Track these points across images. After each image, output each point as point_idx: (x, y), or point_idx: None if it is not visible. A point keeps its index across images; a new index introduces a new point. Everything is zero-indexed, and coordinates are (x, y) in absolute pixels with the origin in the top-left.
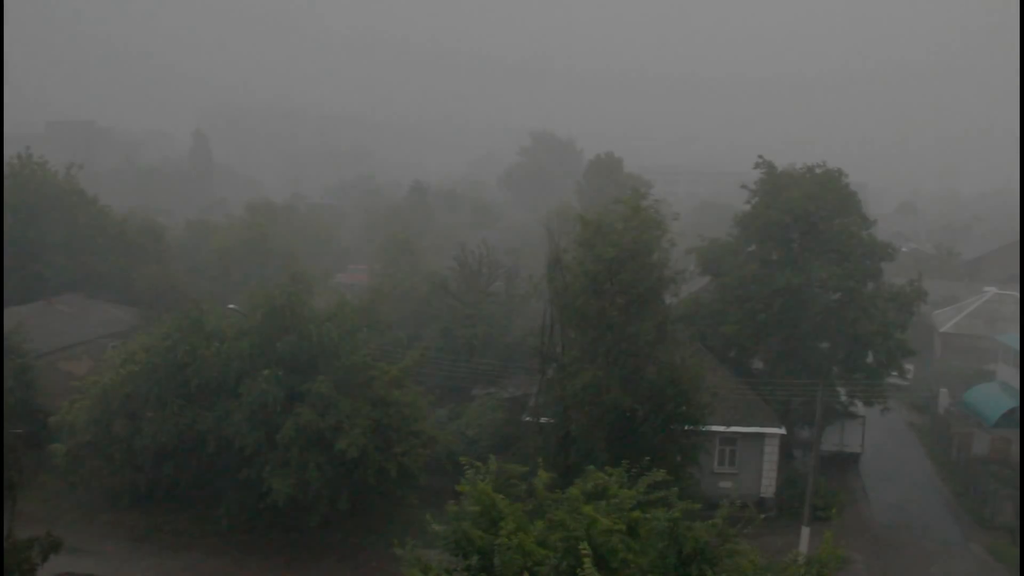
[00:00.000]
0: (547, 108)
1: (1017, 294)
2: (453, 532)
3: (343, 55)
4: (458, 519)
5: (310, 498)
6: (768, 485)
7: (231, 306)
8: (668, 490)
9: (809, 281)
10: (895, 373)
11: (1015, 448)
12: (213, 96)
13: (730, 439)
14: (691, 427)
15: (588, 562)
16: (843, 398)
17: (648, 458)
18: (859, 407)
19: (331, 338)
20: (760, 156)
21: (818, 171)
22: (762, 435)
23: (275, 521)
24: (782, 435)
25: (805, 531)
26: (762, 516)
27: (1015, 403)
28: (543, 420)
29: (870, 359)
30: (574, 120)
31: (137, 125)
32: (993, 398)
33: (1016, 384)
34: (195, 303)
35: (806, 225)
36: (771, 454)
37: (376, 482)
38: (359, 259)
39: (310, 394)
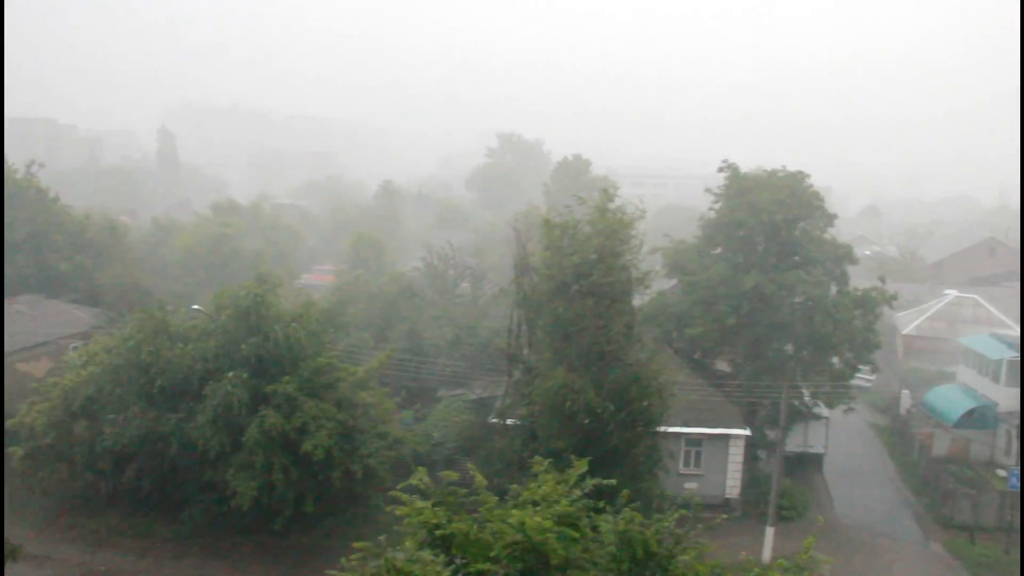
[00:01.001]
0: (515, 109)
1: (977, 297)
2: (384, 566)
3: (309, 55)
4: (381, 548)
5: (275, 500)
6: (733, 486)
7: (196, 307)
8: (620, 493)
9: (775, 284)
10: (859, 374)
11: (974, 448)
12: (178, 95)
13: (696, 440)
14: (655, 428)
15: None
16: (807, 399)
17: (613, 462)
18: (823, 408)
19: (297, 339)
20: (725, 159)
21: (782, 175)
22: (727, 436)
23: (239, 524)
24: (747, 436)
25: (769, 531)
26: (724, 517)
27: (974, 404)
28: (510, 422)
29: (835, 361)
30: (542, 121)
31: (100, 123)
32: (953, 399)
33: (976, 385)
34: (159, 304)
35: (771, 229)
36: (736, 455)
37: (342, 484)
38: (326, 260)
39: (275, 396)
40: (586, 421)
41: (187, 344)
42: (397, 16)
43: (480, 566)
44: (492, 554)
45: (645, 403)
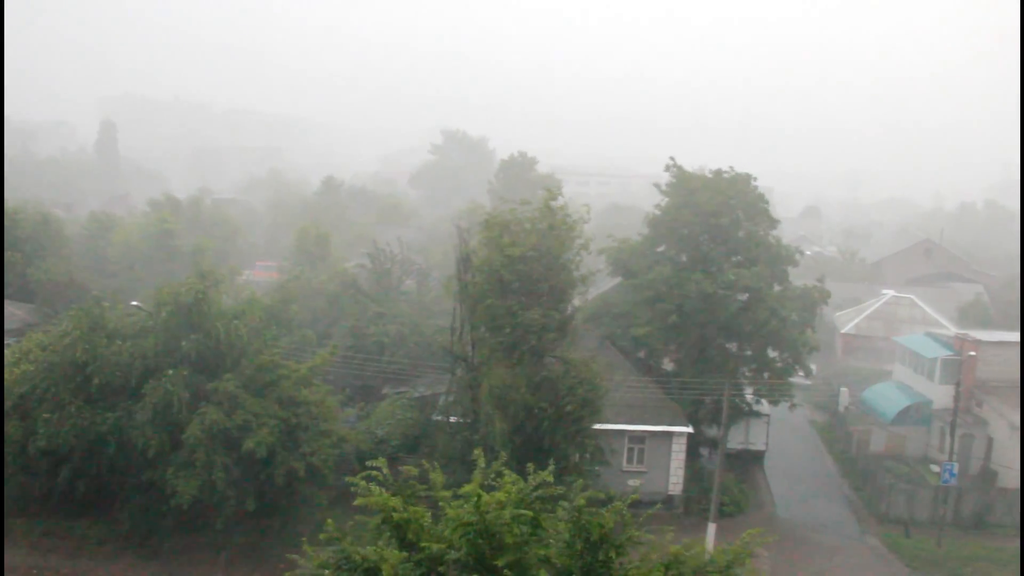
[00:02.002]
0: (460, 106)
1: (913, 297)
2: (335, 553)
3: (252, 49)
4: (339, 538)
5: (216, 499)
6: (676, 483)
7: (134, 303)
8: (570, 484)
9: (718, 283)
10: (799, 372)
11: (909, 444)
12: (116, 86)
13: (639, 438)
14: (589, 425)
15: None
16: (748, 397)
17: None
18: (764, 406)
19: (239, 337)
20: (671, 158)
21: (727, 175)
22: (670, 434)
23: (179, 524)
24: (689, 434)
25: (711, 527)
26: (657, 505)
27: (910, 401)
28: (453, 419)
29: (776, 359)
30: (486, 118)
31: (35, 114)
32: (890, 397)
33: (912, 383)
34: (96, 300)
35: (716, 229)
36: (678, 452)
37: (284, 482)
38: (269, 256)
39: (217, 393)
40: (522, 416)
41: (125, 341)
42: (341, 11)
43: (436, 545)
44: (446, 533)
45: (578, 400)
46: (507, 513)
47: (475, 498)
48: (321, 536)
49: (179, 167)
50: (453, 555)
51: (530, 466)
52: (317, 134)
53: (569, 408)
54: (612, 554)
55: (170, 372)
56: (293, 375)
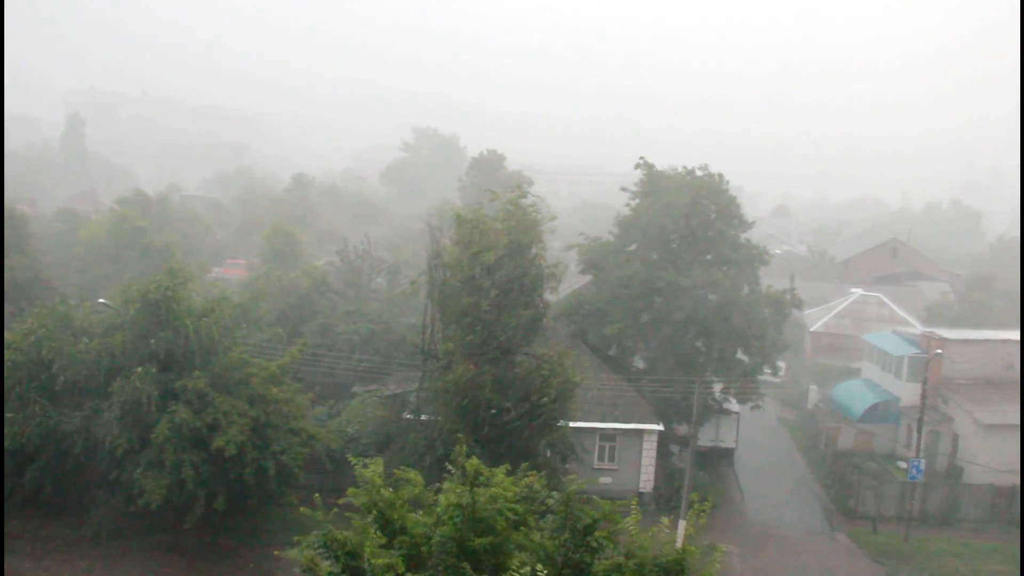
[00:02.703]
0: (431, 104)
1: (881, 295)
2: (322, 536)
3: (219, 44)
4: (328, 523)
5: (185, 499)
6: (647, 480)
7: (102, 301)
8: (555, 477)
9: (689, 282)
10: (769, 371)
11: (877, 441)
12: (82, 80)
13: (610, 435)
14: (559, 422)
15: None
16: (718, 395)
17: (522, 457)
18: (733, 403)
19: (208, 334)
20: (641, 157)
21: (699, 174)
22: (641, 431)
23: (148, 525)
24: (660, 431)
25: (682, 524)
26: (630, 501)
27: (878, 399)
28: (423, 417)
29: (746, 358)
30: (458, 116)
31: None
32: (858, 394)
33: (879, 381)
34: (62, 297)
35: (687, 229)
36: (649, 450)
37: (254, 481)
38: (238, 253)
39: (186, 392)
40: (492, 412)
41: (92, 339)
42: (313, 7)
43: (420, 528)
44: (438, 510)
45: (547, 397)
46: (499, 502)
47: (470, 484)
48: (301, 510)
49: (147, 163)
50: (438, 537)
51: (506, 467)
52: (287, 131)
53: (544, 401)
54: (598, 543)
55: (139, 370)
56: (263, 373)
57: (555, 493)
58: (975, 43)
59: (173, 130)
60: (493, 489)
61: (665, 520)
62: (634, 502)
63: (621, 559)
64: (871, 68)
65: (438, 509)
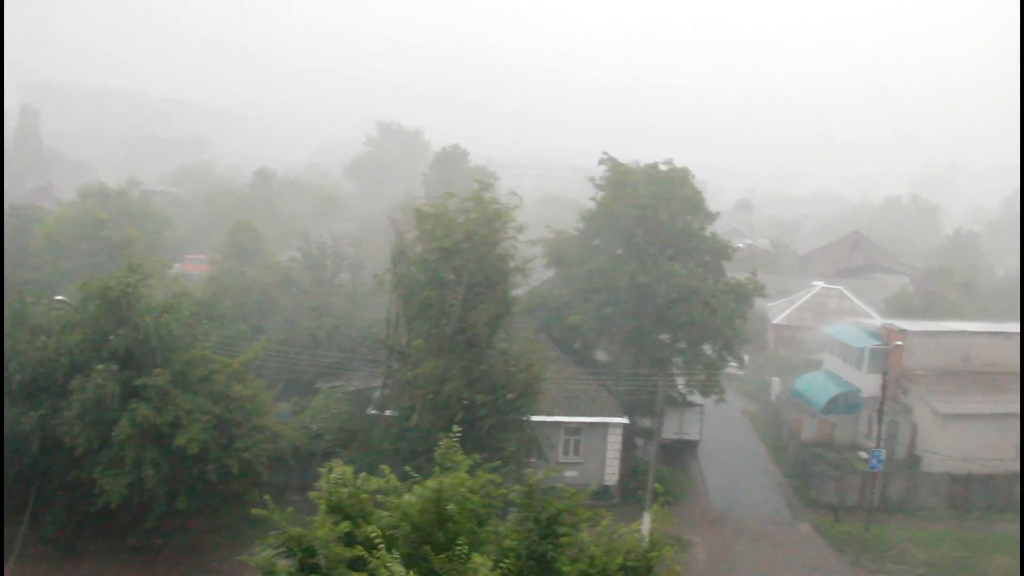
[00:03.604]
0: (395, 98)
1: (842, 288)
2: (279, 535)
3: (180, 37)
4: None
5: (146, 498)
6: (612, 473)
7: (59, 297)
8: (509, 474)
9: (653, 276)
10: (733, 363)
11: (839, 432)
12: (37, 72)
13: (575, 429)
14: (525, 416)
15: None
16: (681, 388)
17: (488, 451)
18: (697, 396)
19: (169, 331)
20: (604, 152)
21: (664, 168)
22: (606, 425)
23: (108, 525)
24: (625, 425)
25: (647, 517)
26: (589, 488)
27: (839, 390)
28: (388, 413)
29: (709, 351)
30: (421, 110)
31: None
32: (820, 386)
33: (841, 372)
34: (18, 294)
35: (651, 222)
36: (614, 443)
37: (217, 479)
38: (200, 249)
39: (147, 389)
40: (464, 404)
41: (50, 337)
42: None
43: (384, 520)
44: (404, 499)
45: (515, 392)
46: (463, 490)
47: (436, 476)
48: (254, 511)
49: (106, 157)
50: (401, 532)
51: (476, 456)
52: (250, 124)
53: (509, 396)
54: (562, 531)
55: (99, 367)
56: (226, 370)
57: (517, 487)
58: (936, 45)
59: (133, 123)
60: (459, 474)
61: (635, 525)
62: (601, 514)
63: (586, 564)
64: (837, 71)
65: (404, 498)
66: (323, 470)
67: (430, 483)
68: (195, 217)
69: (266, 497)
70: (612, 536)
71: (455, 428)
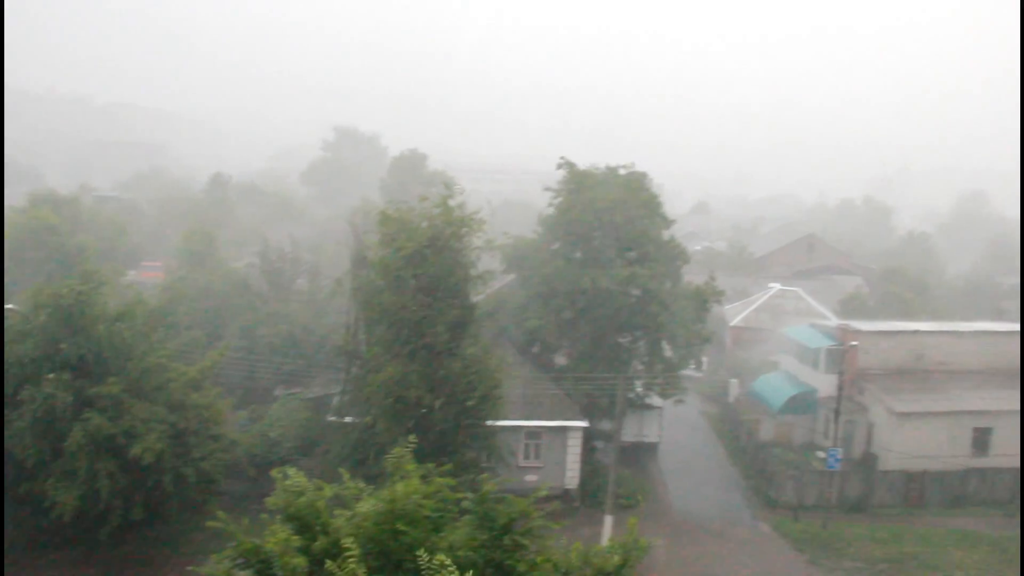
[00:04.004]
0: (352, 103)
1: (799, 290)
2: (236, 547)
3: (130, 40)
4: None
5: (100, 509)
6: (572, 477)
7: (10, 306)
8: (471, 481)
9: (611, 279)
10: (691, 365)
11: (796, 432)
12: None
13: (535, 433)
14: (486, 422)
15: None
16: (640, 390)
17: (449, 457)
18: (656, 399)
19: (122, 339)
20: (562, 157)
21: (622, 172)
22: (565, 428)
23: (61, 537)
24: (584, 428)
25: (608, 520)
26: (539, 491)
27: (796, 391)
28: (348, 419)
29: (668, 353)
30: (379, 115)
31: None
32: (778, 387)
33: (798, 373)
34: None
35: (609, 226)
36: (574, 447)
37: (174, 489)
38: (155, 255)
39: (101, 399)
40: (422, 411)
41: None
42: (229, 2)
43: (341, 530)
44: (353, 518)
45: (475, 398)
46: (416, 497)
47: (391, 486)
48: (208, 523)
49: (55, 162)
50: (356, 546)
51: (430, 465)
52: (204, 129)
53: (470, 404)
54: (517, 542)
55: (50, 376)
56: (182, 378)
57: (470, 495)
58: (885, 56)
59: (83, 128)
60: (412, 482)
61: (597, 547)
62: (550, 526)
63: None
64: (787, 81)
65: (358, 508)
66: (277, 475)
67: (384, 493)
68: (149, 223)
69: (220, 513)
70: (589, 552)
71: (411, 438)
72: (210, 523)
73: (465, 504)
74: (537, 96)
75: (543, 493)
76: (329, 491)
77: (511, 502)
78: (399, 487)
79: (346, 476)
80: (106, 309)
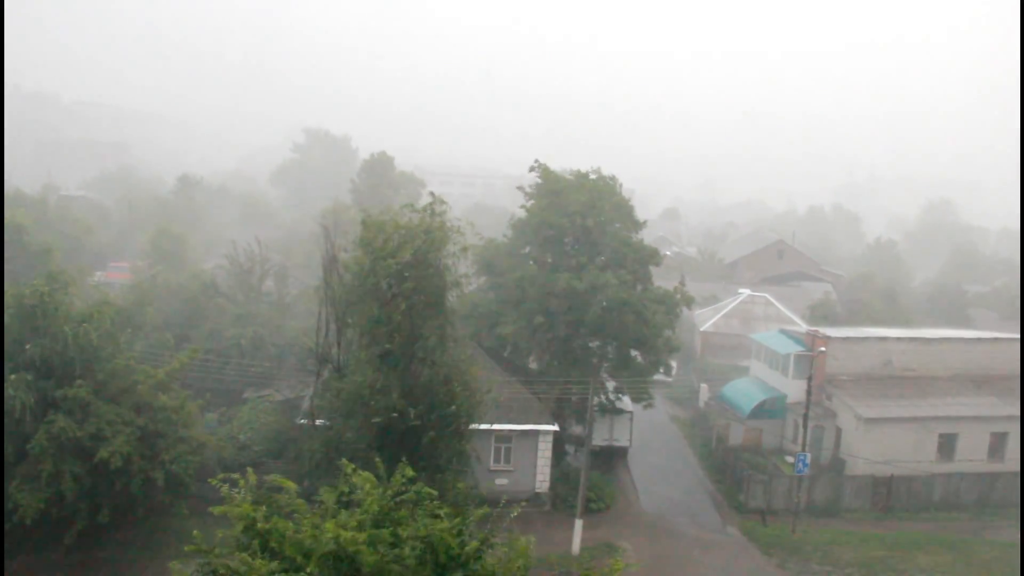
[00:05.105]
0: (322, 104)
1: (768, 296)
2: (201, 566)
3: (98, 38)
4: (206, 546)
5: (65, 513)
6: (543, 481)
7: None
8: (423, 489)
9: (583, 283)
10: (662, 370)
11: (766, 437)
12: None
13: (505, 437)
14: (460, 427)
15: None
16: (612, 395)
17: (420, 463)
18: (627, 403)
19: (89, 341)
20: (536, 160)
21: (593, 177)
22: (536, 432)
23: (26, 541)
24: (555, 432)
25: (578, 524)
26: (523, 503)
27: (765, 396)
28: (319, 423)
29: (639, 358)
30: (349, 118)
31: None
32: (747, 392)
33: (767, 378)
34: None
35: (581, 230)
36: (545, 451)
37: (142, 492)
38: (122, 256)
39: (66, 401)
40: (393, 416)
41: None
42: (191, 5)
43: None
44: (309, 570)
45: (453, 406)
46: (363, 536)
47: (336, 536)
48: (186, 548)
49: (19, 161)
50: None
51: (401, 466)
52: (173, 130)
53: (450, 411)
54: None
55: (12, 377)
56: (149, 380)
57: (410, 523)
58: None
59: (48, 127)
60: (358, 513)
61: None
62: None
63: None
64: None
65: (307, 554)
66: (219, 485)
67: (328, 529)
68: (117, 224)
69: (195, 532)
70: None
71: (384, 439)
72: (188, 547)
73: (405, 534)
74: (507, 102)
75: (479, 514)
76: (284, 499)
77: (456, 527)
78: (343, 534)
79: (291, 487)
80: (72, 310)
